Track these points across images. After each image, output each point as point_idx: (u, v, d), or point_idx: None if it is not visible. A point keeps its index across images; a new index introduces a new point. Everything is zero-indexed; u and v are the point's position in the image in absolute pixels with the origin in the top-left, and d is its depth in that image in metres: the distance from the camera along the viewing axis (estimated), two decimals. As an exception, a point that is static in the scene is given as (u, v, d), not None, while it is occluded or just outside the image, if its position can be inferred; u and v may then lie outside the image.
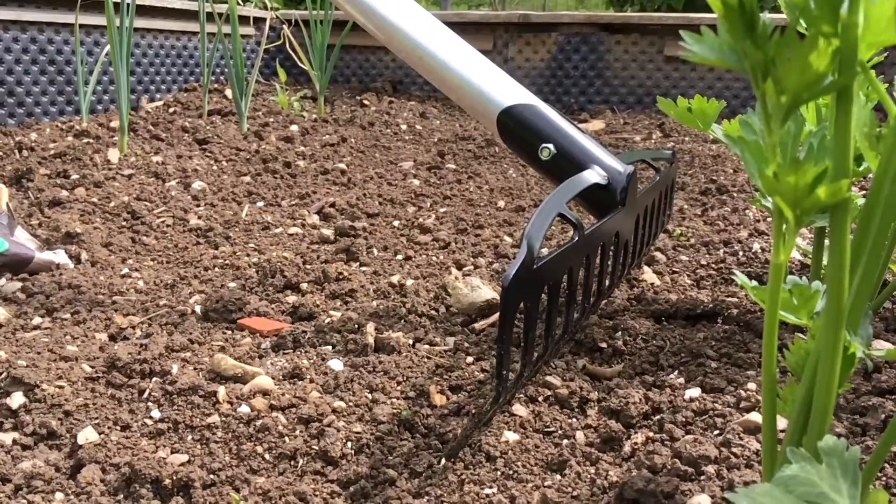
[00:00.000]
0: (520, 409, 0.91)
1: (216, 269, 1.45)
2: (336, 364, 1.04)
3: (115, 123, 2.46)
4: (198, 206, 1.84)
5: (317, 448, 0.84)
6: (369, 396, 0.95)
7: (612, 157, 1.08)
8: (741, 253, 1.48)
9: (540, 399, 0.94)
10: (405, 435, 0.87)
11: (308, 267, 1.42)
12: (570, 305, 0.92)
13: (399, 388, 0.98)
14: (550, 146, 1.08)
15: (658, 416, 0.88)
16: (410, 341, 1.11)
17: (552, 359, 0.92)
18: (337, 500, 0.76)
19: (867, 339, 0.58)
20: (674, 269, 1.42)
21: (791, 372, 0.60)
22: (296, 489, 0.77)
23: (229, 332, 1.17)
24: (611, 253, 1.04)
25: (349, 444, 0.85)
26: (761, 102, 0.48)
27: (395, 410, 0.91)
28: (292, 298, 1.29)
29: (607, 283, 1.05)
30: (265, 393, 0.97)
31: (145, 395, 0.97)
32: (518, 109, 1.10)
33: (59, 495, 0.78)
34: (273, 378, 1.00)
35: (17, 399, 0.93)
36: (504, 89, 1.12)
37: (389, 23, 1.14)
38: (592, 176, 1.04)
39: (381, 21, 1.15)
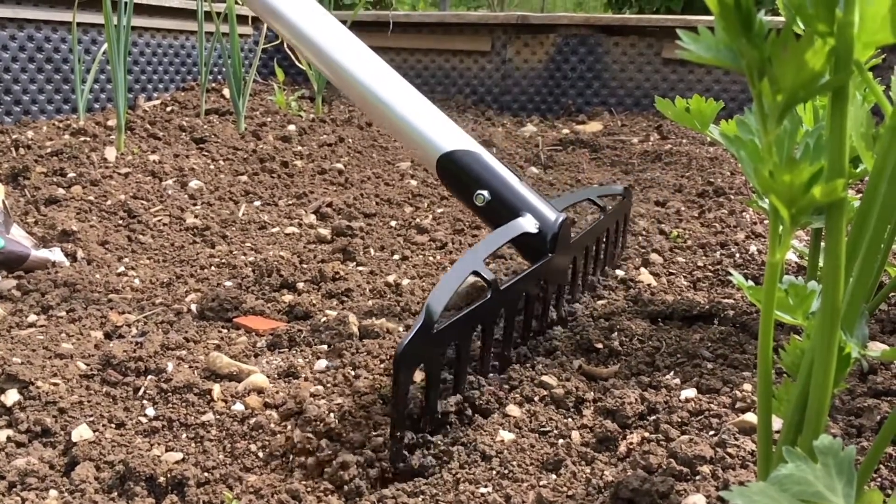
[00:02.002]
0: (515, 410, 0.91)
1: (212, 267, 1.45)
2: (323, 364, 1.04)
3: (112, 122, 2.46)
4: (194, 205, 1.84)
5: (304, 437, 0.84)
6: (352, 373, 0.97)
7: (546, 204, 1.11)
8: (738, 255, 1.48)
9: (536, 399, 0.94)
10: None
11: (304, 266, 1.42)
12: (484, 358, 0.95)
13: (382, 366, 0.98)
14: (485, 192, 1.11)
15: (654, 417, 0.88)
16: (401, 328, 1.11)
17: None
18: (331, 497, 0.76)
19: (863, 340, 0.58)
20: (670, 270, 1.43)
21: (786, 372, 0.60)
22: (288, 487, 0.77)
23: (225, 330, 1.17)
24: (539, 300, 1.07)
25: (332, 414, 0.85)
26: (757, 101, 0.48)
27: (376, 385, 0.92)
28: (288, 297, 1.29)
29: (534, 326, 1.08)
30: (260, 391, 0.96)
31: (140, 392, 0.97)
32: (457, 155, 1.13)
33: (53, 493, 0.77)
34: (268, 376, 1.00)
35: (11, 396, 0.93)
36: (445, 135, 1.15)
37: (342, 68, 1.18)
38: (522, 225, 1.07)
39: (335, 66, 1.19)
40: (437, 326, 0.80)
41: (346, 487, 0.77)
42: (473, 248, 0.93)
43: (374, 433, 0.85)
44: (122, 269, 1.43)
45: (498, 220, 1.09)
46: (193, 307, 1.25)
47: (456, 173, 1.13)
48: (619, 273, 1.39)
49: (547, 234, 1.07)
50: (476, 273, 0.90)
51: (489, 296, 0.90)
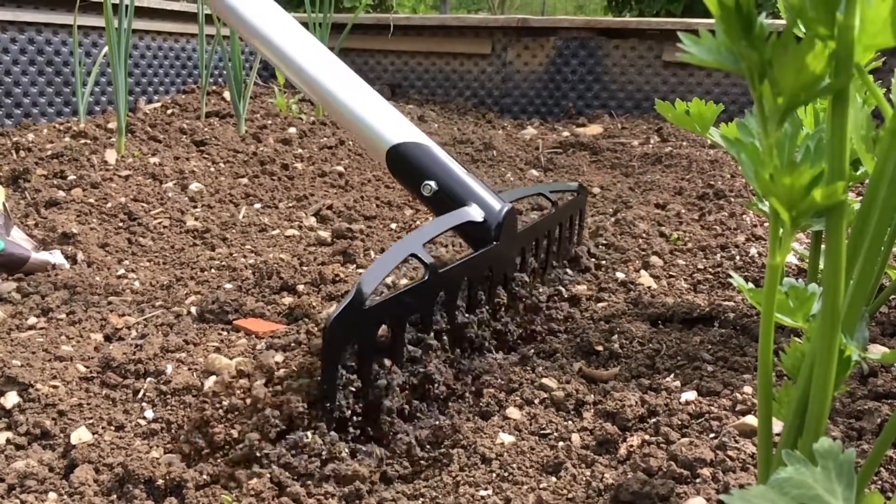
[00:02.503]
0: (515, 412, 0.91)
1: (212, 270, 1.45)
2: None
3: (112, 125, 2.46)
4: (195, 207, 1.84)
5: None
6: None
7: (492, 195, 1.13)
8: (738, 257, 1.48)
9: (536, 401, 0.94)
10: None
11: (304, 269, 1.42)
12: (428, 341, 0.94)
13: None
14: (432, 183, 1.13)
15: (654, 419, 0.88)
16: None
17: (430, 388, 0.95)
18: (331, 500, 0.76)
19: (863, 343, 0.58)
20: (671, 272, 1.42)
21: (787, 374, 0.60)
22: (289, 490, 0.77)
23: (225, 333, 1.17)
24: (483, 286, 1.07)
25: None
26: (758, 104, 0.48)
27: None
28: (288, 300, 1.29)
29: (485, 312, 1.07)
30: (260, 394, 0.96)
31: (139, 395, 0.97)
32: (405, 147, 1.16)
33: (52, 495, 0.77)
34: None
35: (11, 399, 0.93)
36: (393, 128, 1.18)
37: (298, 66, 1.22)
38: (468, 213, 1.09)
39: (290, 62, 1.22)
40: (368, 303, 0.82)
41: (346, 489, 0.77)
42: (414, 231, 0.95)
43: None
44: (122, 271, 1.43)
45: (445, 209, 1.12)
46: (193, 309, 1.25)
47: (404, 165, 1.16)
48: (620, 275, 1.39)
49: (492, 223, 1.09)
50: (414, 255, 0.92)
51: (426, 278, 0.92)
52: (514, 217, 1.13)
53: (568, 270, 1.37)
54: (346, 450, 0.81)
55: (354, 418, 0.84)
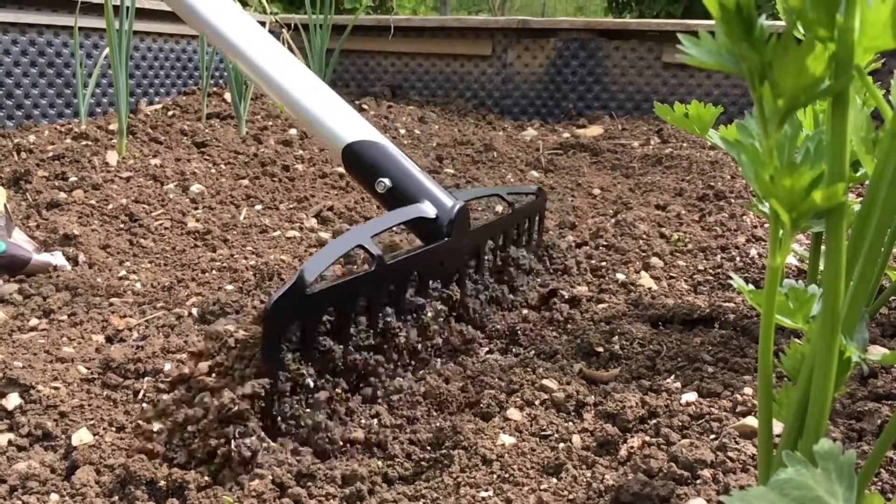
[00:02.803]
0: (516, 413, 0.91)
1: (213, 271, 1.45)
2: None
3: (113, 126, 2.46)
4: (196, 209, 1.84)
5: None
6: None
7: (445, 192, 1.17)
8: (738, 258, 1.48)
9: (536, 402, 0.94)
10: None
11: (305, 270, 1.42)
12: (371, 328, 0.96)
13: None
14: (386, 180, 1.16)
15: (654, 421, 0.88)
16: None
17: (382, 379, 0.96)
18: (332, 501, 0.76)
19: (863, 344, 0.58)
20: (671, 274, 1.43)
21: (787, 376, 0.60)
22: (290, 491, 0.77)
23: (226, 334, 1.17)
24: (434, 279, 1.10)
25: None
26: (758, 106, 0.48)
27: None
28: (289, 301, 1.29)
29: (439, 305, 1.09)
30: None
31: (140, 396, 0.97)
32: (360, 145, 1.19)
33: (54, 497, 0.77)
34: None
35: (12, 400, 0.93)
36: (349, 127, 1.22)
37: (255, 63, 1.26)
38: (419, 209, 1.12)
39: (250, 62, 1.27)
40: (311, 290, 0.84)
41: (347, 490, 0.77)
42: (362, 224, 0.98)
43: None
44: (123, 272, 1.43)
45: (398, 206, 1.15)
46: (194, 311, 1.25)
47: (359, 162, 1.19)
48: (620, 276, 1.39)
49: (444, 219, 1.12)
50: (361, 246, 0.95)
51: (374, 268, 0.94)
52: (467, 214, 1.16)
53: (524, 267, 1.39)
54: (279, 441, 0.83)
55: (294, 405, 0.86)
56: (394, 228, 1.37)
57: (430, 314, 1.06)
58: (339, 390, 0.90)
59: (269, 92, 1.27)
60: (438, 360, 1.09)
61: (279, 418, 0.84)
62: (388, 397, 0.96)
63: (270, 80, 1.25)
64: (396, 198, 1.16)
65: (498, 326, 1.20)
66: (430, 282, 1.08)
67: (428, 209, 1.13)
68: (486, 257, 1.25)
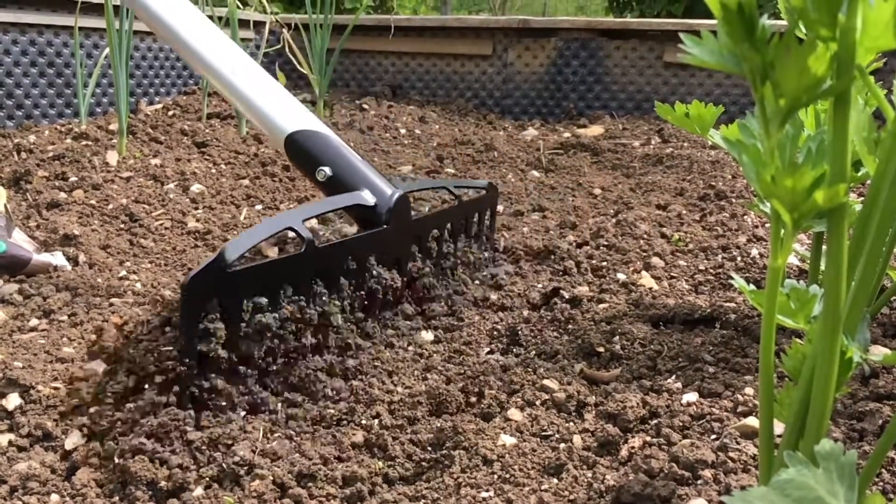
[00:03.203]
0: (516, 413, 0.91)
1: (214, 271, 1.45)
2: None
3: (113, 126, 2.46)
4: (196, 209, 1.84)
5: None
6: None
7: (386, 182, 1.20)
8: (739, 258, 1.48)
9: (537, 403, 0.94)
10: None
11: (306, 270, 1.42)
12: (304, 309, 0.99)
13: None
14: (327, 169, 1.20)
15: (655, 421, 0.88)
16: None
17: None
18: (332, 502, 0.76)
19: (864, 344, 0.58)
20: (672, 273, 1.42)
21: (788, 376, 0.60)
22: (291, 492, 0.77)
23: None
24: (371, 265, 1.12)
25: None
26: (760, 106, 0.48)
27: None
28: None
29: (379, 291, 1.12)
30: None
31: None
32: (302, 135, 1.23)
33: (54, 497, 0.77)
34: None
35: (12, 400, 0.93)
36: (291, 117, 1.26)
37: (201, 55, 1.30)
38: (358, 197, 1.15)
39: (195, 53, 1.31)
40: (234, 268, 0.87)
41: (347, 490, 0.77)
42: (299, 207, 1.02)
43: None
44: (123, 273, 1.43)
45: (336, 194, 1.18)
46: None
47: (301, 152, 1.23)
48: (621, 276, 1.39)
49: (382, 207, 1.15)
50: (291, 229, 0.97)
51: (303, 250, 0.97)
52: (407, 203, 1.19)
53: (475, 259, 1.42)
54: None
55: (212, 380, 0.88)
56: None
57: (364, 298, 1.09)
58: (257, 367, 0.93)
59: (213, 82, 1.30)
60: (374, 340, 1.11)
61: (196, 391, 0.87)
62: (309, 378, 0.98)
63: (214, 70, 1.29)
64: (336, 186, 1.19)
65: (437, 309, 1.24)
66: (367, 266, 1.11)
67: (367, 197, 1.15)
68: (428, 246, 1.27)
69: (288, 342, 0.96)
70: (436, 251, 1.28)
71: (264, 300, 0.92)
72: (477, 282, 1.38)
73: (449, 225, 1.33)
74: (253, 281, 0.91)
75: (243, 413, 0.90)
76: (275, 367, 0.95)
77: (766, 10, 4.22)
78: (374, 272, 1.11)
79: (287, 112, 1.26)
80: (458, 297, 1.30)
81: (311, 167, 1.21)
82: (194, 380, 0.87)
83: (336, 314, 1.03)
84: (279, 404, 0.94)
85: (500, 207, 1.91)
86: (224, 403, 0.89)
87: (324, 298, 1.01)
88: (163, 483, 0.78)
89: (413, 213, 1.20)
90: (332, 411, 0.92)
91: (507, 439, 0.85)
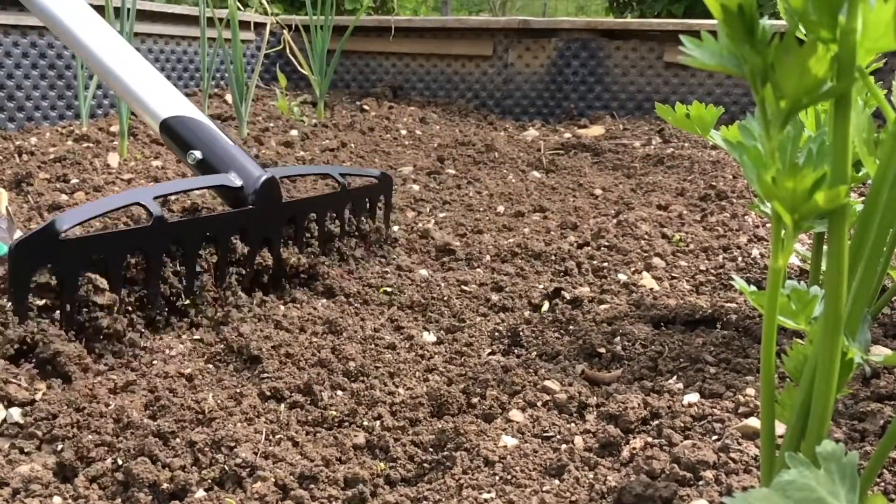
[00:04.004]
0: (518, 414, 0.91)
1: (215, 273, 1.45)
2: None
3: (115, 128, 2.46)
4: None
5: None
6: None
7: (256, 166, 1.26)
8: (740, 259, 1.48)
9: (538, 404, 0.94)
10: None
11: (307, 271, 1.42)
12: (149, 281, 1.07)
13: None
14: (197, 153, 1.27)
15: (657, 422, 0.88)
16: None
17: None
18: (335, 503, 0.76)
19: (865, 345, 0.58)
20: (673, 274, 1.42)
21: (789, 377, 0.60)
22: (293, 493, 0.77)
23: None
24: (233, 243, 1.20)
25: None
26: (760, 107, 0.48)
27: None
28: (291, 303, 1.29)
29: (234, 268, 1.20)
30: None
31: (143, 398, 0.97)
32: (176, 120, 1.31)
33: (56, 499, 0.77)
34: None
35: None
36: (166, 102, 1.33)
37: (81, 41, 1.38)
38: (223, 178, 1.23)
39: (75, 40, 1.38)
40: (67, 236, 0.94)
41: (349, 492, 0.77)
42: (155, 184, 1.10)
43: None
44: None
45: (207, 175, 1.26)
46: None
47: (174, 136, 1.30)
48: (622, 277, 1.39)
49: (249, 189, 1.22)
50: (139, 204, 1.04)
51: (150, 224, 1.04)
52: (275, 186, 1.25)
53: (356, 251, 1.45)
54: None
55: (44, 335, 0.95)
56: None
57: (223, 274, 1.17)
58: (86, 331, 0.99)
59: (93, 67, 1.37)
60: (233, 314, 1.16)
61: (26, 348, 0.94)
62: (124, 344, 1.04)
63: (94, 56, 1.36)
64: (206, 168, 1.26)
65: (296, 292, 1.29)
66: (228, 244, 1.18)
67: (234, 179, 1.22)
68: (300, 227, 1.32)
69: (124, 311, 1.03)
70: (311, 234, 1.34)
71: (102, 269, 0.99)
72: (347, 266, 1.42)
73: (331, 210, 1.39)
74: (89, 250, 0.97)
75: (72, 370, 0.96)
76: (105, 335, 1.01)
77: (765, 9, 4.22)
78: (234, 249, 1.19)
79: (162, 98, 1.33)
80: (316, 279, 1.34)
81: (184, 150, 1.28)
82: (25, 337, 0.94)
83: (181, 289, 1.11)
84: (282, 405, 0.94)
85: (500, 208, 1.91)
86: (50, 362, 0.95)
87: (173, 272, 1.09)
88: (165, 485, 0.78)
89: (292, 197, 1.30)
90: (334, 412, 0.93)
91: (509, 440, 0.85)
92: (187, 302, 1.12)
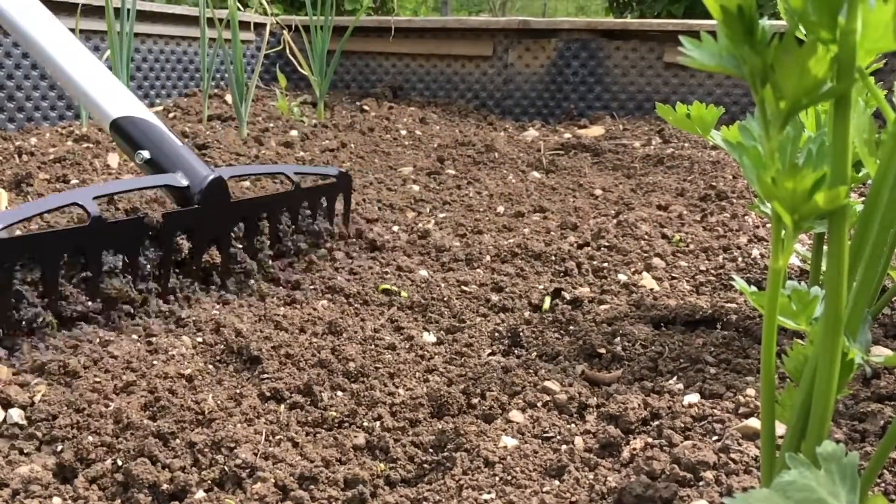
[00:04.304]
0: (518, 415, 0.91)
1: (215, 273, 1.45)
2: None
3: (114, 128, 2.46)
4: (197, 210, 1.84)
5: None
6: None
7: (204, 166, 1.29)
8: (740, 259, 1.48)
9: (538, 404, 0.94)
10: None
11: (307, 272, 1.42)
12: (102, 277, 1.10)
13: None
14: (145, 153, 1.30)
15: (657, 422, 0.88)
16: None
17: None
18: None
19: (866, 345, 0.58)
20: (673, 274, 1.42)
21: (790, 377, 0.60)
22: (293, 494, 0.77)
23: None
24: (178, 242, 1.22)
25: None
26: (760, 108, 0.48)
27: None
28: (291, 303, 1.29)
29: (179, 266, 1.24)
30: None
31: (143, 399, 0.97)
32: (126, 120, 1.34)
33: (56, 500, 0.77)
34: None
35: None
36: (117, 103, 1.36)
37: (34, 41, 1.41)
38: (168, 178, 1.26)
39: (30, 40, 1.41)
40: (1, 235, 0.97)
41: (349, 493, 0.77)
42: (97, 184, 1.14)
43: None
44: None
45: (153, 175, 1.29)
46: (196, 313, 1.25)
47: (123, 136, 1.33)
48: (622, 277, 1.39)
49: (195, 189, 1.25)
50: (77, 204, 1.06)
51: (87, 224, 1.06)
52: (223, 186, 1.28)
53: (301, 245, 1.46)
54: None
55: None
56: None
57: (168, 272, 1.20)
58: (26, 328, 1.03)
59: (48, 68, 1.40)
60: (180, 311, 1.20)
61: None
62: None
63: (45, 54, 1.39)
64: (153, 168, 1.29)
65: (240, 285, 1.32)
66: (172, 243, 1.20)
67: (180, 179, 1.25)
68: (251, 226, 1.34)
69: (65, 308, 1.07)
70: (259, 233, 1.36)
71: (37, 269, 1.02)
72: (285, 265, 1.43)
73: (284, 209, 1.42)
74: (23, 249, 1.01)
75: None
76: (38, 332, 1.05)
77: (765, 10, 4.22)
78: (179, 248, 1.21)
79: (113, 98, 1.37)
80: (251, 278, 1.35)
81: (133, 149, 1.31)
82: None
83: (124, 287, 1.13)
84: (282, 406, 0.94)
85: (500, 208, 1.91)
86: None
87: (113, 270, 1.12)
88: (164, 485, 0.78)
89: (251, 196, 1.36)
90: (334, 413, 0.93)
91: (509, 441, 0.85)
92: (134, 297, 1.15)
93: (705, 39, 0.49)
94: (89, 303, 1.09)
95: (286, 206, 1.42)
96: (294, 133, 2.65)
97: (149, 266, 1.17)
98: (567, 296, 1.31)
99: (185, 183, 1.25)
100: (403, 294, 1.31)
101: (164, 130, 1.33)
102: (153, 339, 1.11)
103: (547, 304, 1.28)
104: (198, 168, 1.27)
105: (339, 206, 1.59)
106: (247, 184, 2.00)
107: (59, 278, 1.06)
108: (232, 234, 1.30)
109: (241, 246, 1.32)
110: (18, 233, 1.02)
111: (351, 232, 1.59)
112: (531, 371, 1.03)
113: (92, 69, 1.39)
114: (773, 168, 0.47)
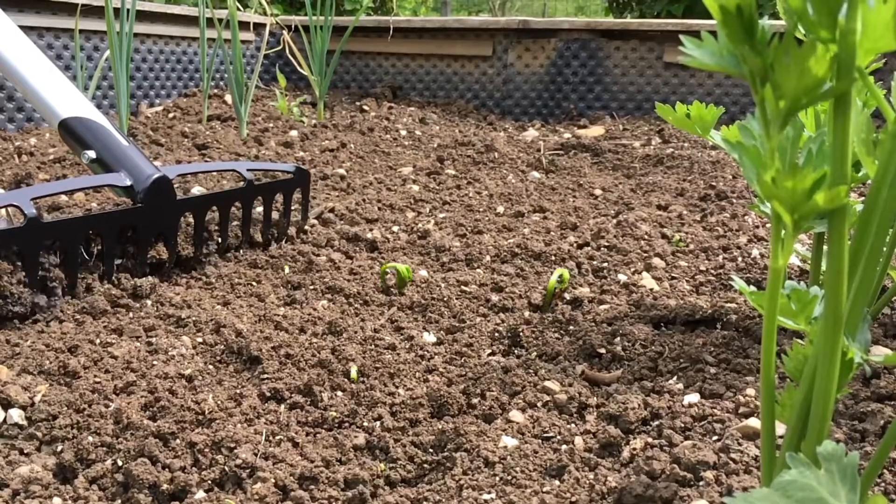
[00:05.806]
0: (518, 415, 0.91)
1: (215, 273, 1.45)
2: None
3: (114, 128, 2.46)
4: (197, 210, 1.84)
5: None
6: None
7: (150, 165, 1.33)
8: (740, 259, 1.48)
9: (538, 404, 0.94)
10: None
11: (307, 272, 1.42)
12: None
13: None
14: (91, 153, 1.33)
15: (657, 422, 0.88)
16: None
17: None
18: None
19: (865, 345, 0.58)
20: (673, 274, 1.42)
21: (790, 377, 0.60)
22: (293, 494, 0.77)
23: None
24: (118, 239, 1.28)
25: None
26: (760, 108, 0.48)
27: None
28: (291, 303, 1.29)
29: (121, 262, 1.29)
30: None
31: (143, 399, 0.97)
32: (73, 121, 1.37)
33: (56, 500, 0.77)
34: (271, 383, 1.00)
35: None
36: (65, 103, 1.39)
37: None
38: (111, 178, 1.30)
39: None
40: None
41: (349, 493, 0.77)
42: (35, 185, 1.18)
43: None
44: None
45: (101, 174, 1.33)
46: (196, 313, 1.25)
47: (71, 136, 1.37)
48: (622, 277, 1.39)
49: (139, 187, 1.29)
50: (13, 205, 1.10)
51: (23, 225, 1.09)
52: (167, 185, 1.32)
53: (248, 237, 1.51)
54: None
55: None
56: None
57: (106, 269, 1.25)
58: None
59: None
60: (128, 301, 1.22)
61: None
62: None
63: None
64: (99, 167, 1.33)
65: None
66: (113, 241, 1.26)
67: (124, 178, 1.29)
68: (198, 223, 1.38)
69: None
70: (208, 230, 1.41)
71: None
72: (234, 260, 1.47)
73: (235, 205, 1.46)
74: None
75: None
76: None
77: (764, 9, 4.22)
78: (121, 244, 1.28)
79: (62, 98, 1.39)
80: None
81: (79, 149, 1.34)
82: None
83: (58, 286, 1.17)
84: (282, 406, 0.94)
85: (500, 208, 1.91)
86: None
87: (53, 268, 1.16)
88: (164, 486, 0.78)
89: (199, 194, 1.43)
90: (334, 413, 0.93)
91: (509, 441, 0.85)
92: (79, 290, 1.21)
93: (705, 39, 0.49)
94: (20, 301, 1.13)
95: (237, 202, 1.46)
96: (294, 133, 2.65)
97: (90, 262, 1.24)
98: (567, 296, 1.31)
99: (128, 182, 1.29)
100: (402, 270, 1.32)
101: (112, 131, 1.37)
102: (153, 340, 1.11)
103: (553, 282, 1.27)
104: (143, 167, 1.31)
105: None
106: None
107: None
108: (177, 231, 1.35)
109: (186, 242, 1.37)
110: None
111: (304, 227, 1.63)
112: (531, 371, 1.03)
113: (42, 70, 1.42)
114: (773, 168, 0.47)
